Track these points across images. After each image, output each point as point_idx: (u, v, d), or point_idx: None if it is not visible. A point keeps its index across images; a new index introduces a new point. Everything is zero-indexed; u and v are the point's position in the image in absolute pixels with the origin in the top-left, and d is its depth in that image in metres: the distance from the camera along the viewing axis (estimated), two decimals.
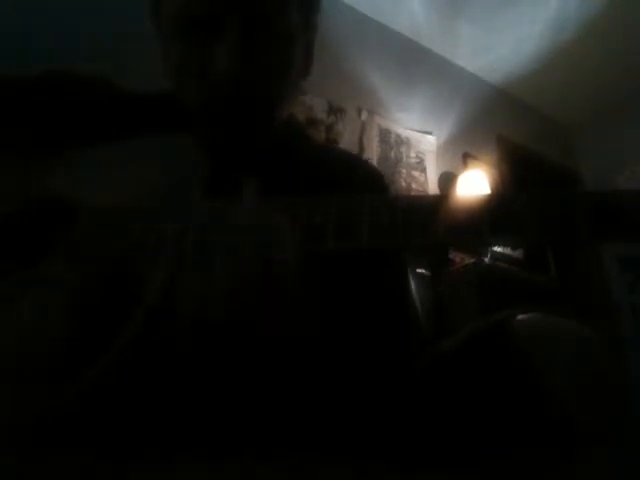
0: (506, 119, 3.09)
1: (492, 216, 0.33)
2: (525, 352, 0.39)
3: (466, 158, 2.75)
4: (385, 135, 2.48)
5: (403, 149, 2.52)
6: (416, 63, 2.77)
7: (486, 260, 2.33)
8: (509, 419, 0.39)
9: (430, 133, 2.66)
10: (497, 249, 2.41)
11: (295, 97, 0.60)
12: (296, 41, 0.52)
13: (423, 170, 2.54)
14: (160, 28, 0.55)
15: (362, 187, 0.61)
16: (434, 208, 0.35)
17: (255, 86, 0.50)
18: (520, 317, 0.42)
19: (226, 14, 0.47)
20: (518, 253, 2.57)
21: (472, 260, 2.25)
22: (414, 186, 2.46)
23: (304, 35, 0.54)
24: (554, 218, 0.32)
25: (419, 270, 2.01)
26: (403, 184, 2.43)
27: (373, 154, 2.38)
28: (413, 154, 2.54)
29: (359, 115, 2.42)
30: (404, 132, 2.56)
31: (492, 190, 2.51)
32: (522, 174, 2.83)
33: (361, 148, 2.35)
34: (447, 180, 2.54)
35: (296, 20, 0.51)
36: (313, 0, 0.56)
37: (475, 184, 2.45)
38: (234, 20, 0.47)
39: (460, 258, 2.29)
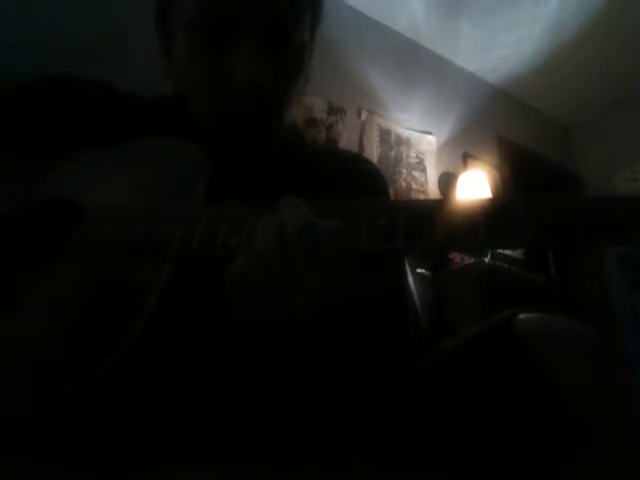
0: (506, 119, 3.09)
1: (490, 221, 0.33)
2: (527, 352, 0.39)
3: (466, 158, 2.75)
4: (385, 135, 2.48)
5: (403, 149, 2.52)
6: (416, 63, 2.77)
7: (486, 260, 2.33)
8: (512, 419, 0.39)
9: (430, 133, 2.66)
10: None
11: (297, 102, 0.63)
12: (307, 52, 0.57)
13: (423, 170, 2.54)
14: (167, 31, 0.55)
15: (361, 186, 0.61)
16: (432, 212, 0.35)
17: (272, 94, 0.52)
18: (522, 317, 0.42)
19: (249, 23, 0.49)
20: (518, 253, 2.57)
21: (472, 260, 2.25)
22: (414, 186, 2.46)
23: (310, 47, 0.59)
24: (552, 223, 0.32)
25: (419, 270, 2.01)
26: (403, 184, 2.43)
27: (373, 154, 2.38)
28: (413, 154, 2.54)
29: (359, 115, 2.43)
30: (404, 132, 2.56)
31: (492, 190, 2.51)
32: (522, 174, 2.83)
33: (361, 148, 2.35)
34: (447, 180, 2.54)
35: (308, 33, 0.56)
36: (320, 16, 0.61)
37: (475, 184, 2.45)
38: (256, 29, 0.49)
39: (460, 258, 2.29)
